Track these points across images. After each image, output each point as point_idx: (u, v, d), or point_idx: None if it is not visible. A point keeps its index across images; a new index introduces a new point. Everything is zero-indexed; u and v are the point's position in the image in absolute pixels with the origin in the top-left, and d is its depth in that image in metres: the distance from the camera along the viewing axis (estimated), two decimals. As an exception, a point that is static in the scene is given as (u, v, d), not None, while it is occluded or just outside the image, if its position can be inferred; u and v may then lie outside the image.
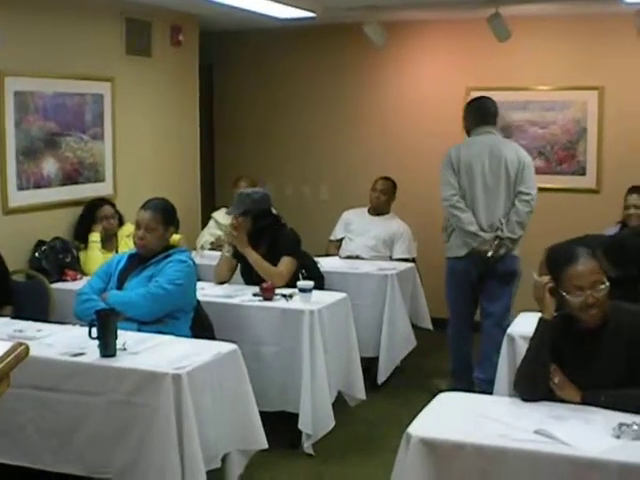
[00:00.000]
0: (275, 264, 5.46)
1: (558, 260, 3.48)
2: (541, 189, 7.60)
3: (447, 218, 5.98)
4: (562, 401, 3.33)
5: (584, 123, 7.56)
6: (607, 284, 3.36)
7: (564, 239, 5.39)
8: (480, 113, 6.09)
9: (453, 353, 6.11)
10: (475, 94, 7.62)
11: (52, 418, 3.86)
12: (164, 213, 4.76)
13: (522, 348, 3.98)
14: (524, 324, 4.29)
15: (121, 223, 6.25)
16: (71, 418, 3.83)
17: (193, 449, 3.61)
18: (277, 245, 5.53)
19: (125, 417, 3.72)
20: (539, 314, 4.07)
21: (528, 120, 7.72)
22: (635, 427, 2.96)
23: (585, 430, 3.03)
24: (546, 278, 3.51)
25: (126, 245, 5.90)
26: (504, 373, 4.28)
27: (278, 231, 5.61)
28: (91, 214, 6.12)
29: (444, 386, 5.72)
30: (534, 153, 7.66)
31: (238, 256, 5.69)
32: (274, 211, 5.78)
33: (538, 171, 7.61)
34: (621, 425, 2.98)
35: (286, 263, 5.48)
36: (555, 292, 3.45)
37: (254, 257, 5.44)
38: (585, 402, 3.28)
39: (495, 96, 7.64)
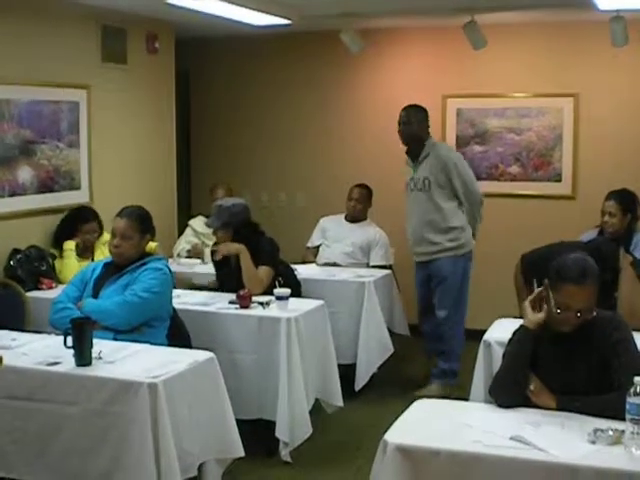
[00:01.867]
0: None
1: (567, 271, 3.38)
2: (517, 195, 7.70)
3: (472, 214, 6.29)
4: (537, 407, 3.34)
5: (560, 130, 7.60)
6: (593, 313, 3.37)
7: (539, 245, 5.45)
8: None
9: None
10: (451, 101, 7.72)
11: (27, 428, 3.83)
12: (140, 221, 4.74)
13: (498, 354, 3.99)
14: (500, 330, 4.30)
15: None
16: (46, 428, 3.79)
17: (169, 458, 3.58)
18: (256, 254, 5.52)
19: (101, 426, 3.69)
20: (515, 320, 4.10)
21: (504, 127, 7.76)
22: (610, 432, 2.97)
23: (561, 436, 3.04)
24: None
25: (102, 254, 5.86)
26: (480, 379, 4.28)
27: (257, 240, 5.61)
28: (73, 224, 6.07)
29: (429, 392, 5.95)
30: (510, 159, 7.73)
31: (215, 263, 5.71)
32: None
33: (514, 178, 7.70)
34: (596, 430, 2.99)
35: (265, 272, 5.49)
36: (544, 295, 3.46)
37: (248, 259, 5.45)
38: (560, 408, 3.29)
39: (472, 103, 7.75)
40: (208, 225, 5.74)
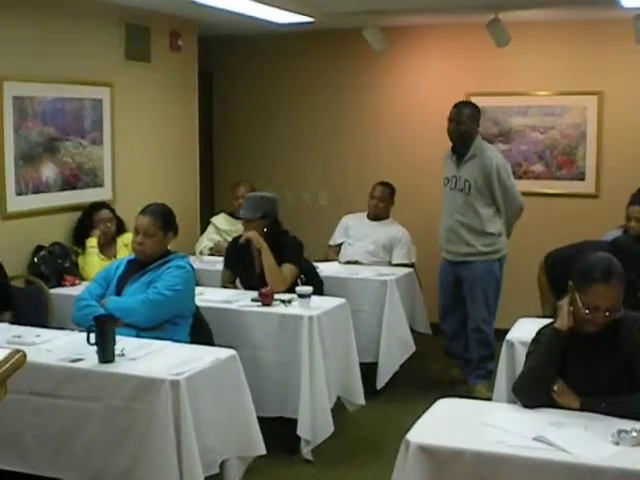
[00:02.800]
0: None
1: (593, 271, 3.36)
2: (540, 194, 7.66)
3: (509, 221, 6.28)
4: (561, 407, 3.32)
5: (583, 128, 7.56)
6: (621, 311, 3.35)
7: (563, 244, 5.43)
8: None
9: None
10: (475, 99, 7.65)
11: (50, 424, 3.85)
12: (163, 218, 4.74)
13: (521, 354, 3.98)
14: (523, 330, 4.29)
15: (121, 229, 6.23)
16: (69, 424, 3.82)
17: (191, 455, 3.60)
18: (281, 252, 5.53)
19: (123, 423, 3.71)
20: (538, 320, 4.09)
21: (528, 125, 7.72)
22: (634, 433, 2.95)
23: (584, 437, 3.02)
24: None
25: (124, 254, 5.87)
26: (503, 379, 4.27)
27: (283, 238, 5.63)
28: (89, 219, 6.12)
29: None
30: (534, 158, 7.70)
31: (235, 265, 5.76)
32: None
33: (538, 176, 7.67)
34: (620, 432, 2.98)
35: (290, 270, 5.50)
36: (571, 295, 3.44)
37: (269, 255, 5.46)
38: (584, 409, 3.27)
39: (494, 101, 7.72)
40: (245, 216, 5.66)
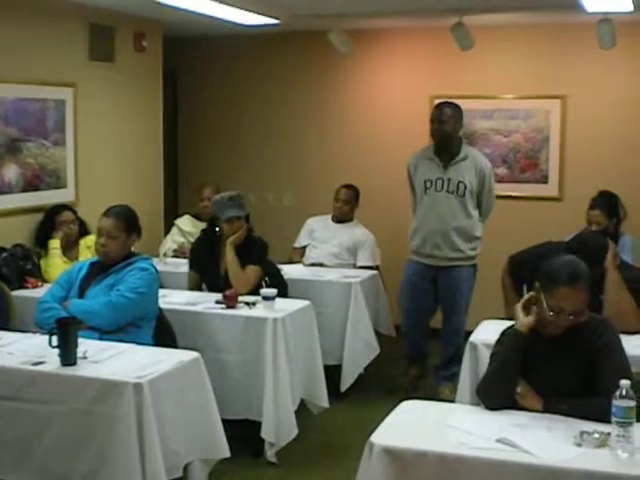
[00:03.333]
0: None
1: (559, 274, 3.38)
2: (504, 197, 7.69)
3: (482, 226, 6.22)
4: (524, 409, 3.34)
5: (547, 132, 7.62)
6: (586, 315, 3.37)
7: (526, 246, 5.46)
8: None
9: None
10: (439, 102, 7.68)
11: (12, 428, 3.81)
12: (126, 221, 4.72)
13: (485, 356, 4.00)
14: (487, 332, 4.30)
15: (83, 232, 6.19)
16: (31, 428, 3.77)
17: (155, 458, 3.57)
18: (246, 253, 5.54)
19: (86, 426, 3.68)
20: (501, 322, 4.10)
21: (492, 128, 7.77)
22: (596, 435, 2.97)
23: (547, 438, 3.04)
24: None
25: (86, 256, 5.83)
26: (466, 380, 4.29)
27: (250, 239, 5.64)
28: (51, 220, 6.07)
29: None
30: (498, 161, 7.73)
31: (199, 267, 5.77)
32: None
33: (501, 179, 7.71)
34: (583, 433, 3.00)
35: (253, 272, 5.50)
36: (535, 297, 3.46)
37: (231, 256, 5.47)
38: (547, 410, 3.29)
39: (460, 104, 7.71)
40: (226, 217, 5.61)
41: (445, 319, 6.30)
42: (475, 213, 6.12)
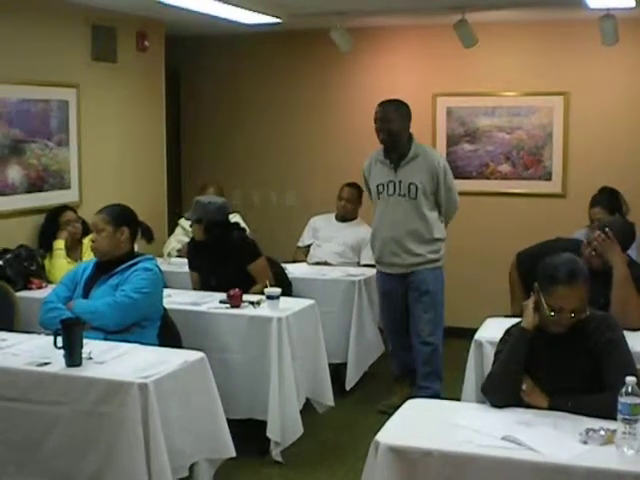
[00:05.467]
0: (242, 274, 5.53)
1: (557, 273, 3.38)
2: (508, 194, 7.71)
3: (445, 223, 5.88)
4: (530, 407, 3.33)
5: (550, 128, 7.61)
6: (586, 312, 3.37)
7: (529, 243, 5.45)
8: None
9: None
10: (442, 100, 7.72)
11: (17, 429, 3.81)
12: (113, 214, 4.71)
13: (489, 354, 3.98)
14: (491, 329, 4.29)
15: (86, 231, 6.18)
16: (37, 428, 3.78)
17: (160, 458, 3.58)
18: (227, 253, 5.61)
19: (91, 427, 3.68)
20: (506, 319, 4.10)
21: (495, 125, 7.76)
22: (602, 432, 2.97)
23: (553, 436, 3.03)
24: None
25: (90, 255, 5.83)
26: (471, 379, 4.27)
27: (227, 240, 5.67)
28: (54, 221, 6.08)
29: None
30: (501, 158, 7.73)
31: (194, 266, 5.83)
32: (238, 219, 5.80)
33: (505, 176, 7.71)
34: (588, 430, 2.99)
35: (258, 267, 5.60)
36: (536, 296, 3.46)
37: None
38: (552, 408, 3.29)
39: (462, 101, 7.75)
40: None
41: (413, 331, 5.86)
42: (432, 215, 5.73)
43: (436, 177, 5.70)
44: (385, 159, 5.79)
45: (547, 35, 7.55)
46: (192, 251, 5.93)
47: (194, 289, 5.77)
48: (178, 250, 6.94)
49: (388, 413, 3.56)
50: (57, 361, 3.84)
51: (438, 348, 5.83)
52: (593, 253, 4.56)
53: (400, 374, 6.07)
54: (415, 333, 5.83)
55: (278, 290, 5.08)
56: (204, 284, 5.73)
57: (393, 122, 5.68)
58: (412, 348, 5.89)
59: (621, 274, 4.44)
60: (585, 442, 2.96)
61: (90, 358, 3.88)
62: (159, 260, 5.15)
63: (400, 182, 5.71)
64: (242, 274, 5.56)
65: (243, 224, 6.58)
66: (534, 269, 3.58)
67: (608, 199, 5.84)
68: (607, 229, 4.55)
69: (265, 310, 5.01)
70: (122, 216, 4.76)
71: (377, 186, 5.82)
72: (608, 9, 6.34)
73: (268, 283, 5.25)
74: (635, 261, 4.77)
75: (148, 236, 4.92)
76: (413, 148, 5.75)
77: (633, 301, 4.40)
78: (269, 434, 4.83)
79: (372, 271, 6.49)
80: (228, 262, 5.58)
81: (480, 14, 6.79)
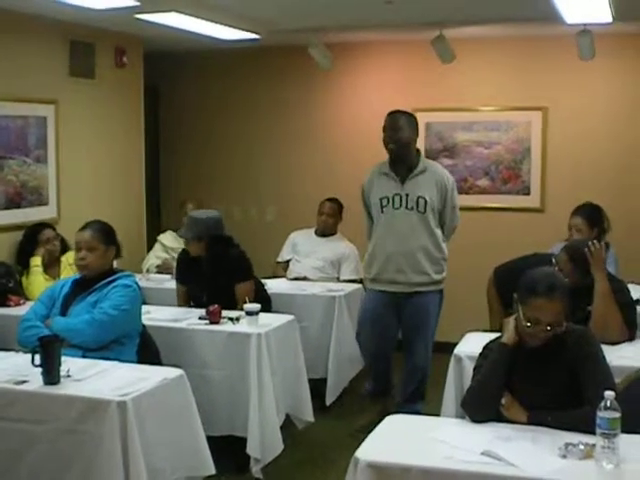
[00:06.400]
0: (229, 289, 5.52)
1: (536, 285, 3.38)
2: (486, 208, 7.74)
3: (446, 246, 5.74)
4: (509, 421, 3.34)
5: (528, 143, 7.65)
6: (563, 326, 3.37)
7: (508, 258, 5.47)
8: None
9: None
10: (420, 115, 7.66)
11: (-6, 447, 3.79)
12: (103, 232, 4.70)
13: (469, 368, 3.99)
14: (471, 344, 4.30)
15: (65, 248, 6.16)
16: (14, 447, 3.74)
17: (139, 477, 3.55)
18: (228, 270, 5.56)
19: (70, 445, 3.65)
20: (485, 334, 4.10)
21: (473, 140, 7.80)
22: (581, 447, 2.97)
23: (532, 450, 3.03)
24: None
25: (68, 273, 5.82)
26: (451, 394, 4.28)
27: (228, 256, 5.63)
28: (32, 238, 6.05)
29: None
30: (480, 173, 7.76)
31: (184, 280, 5.76)
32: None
33: (483, 191, 7.74)
34: (567, 445, 2.99)
35: (244, 289, 5.51)
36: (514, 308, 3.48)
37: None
38: (532, 422, 3.29)
39: (440, 117, 7.78)
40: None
41: (408, 353, 5.76)
42: (438, 231, 5.59)
43: (444, 194, 5.57)
44: (391, 171, 5.60)
45: (525, 50, 7.59)
46: (183, 265, 5.84)
47: (179, 305, 5.74)
48: (157, 266, 6.93)
49: (362, 431, 3.53)
50: (35, 379, 3.81)
51: (428, 371, 5.76)
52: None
53: (375, 391, 5.96)
54: (409, 357, 5.74)
55: (257, 306, 5.06)
56: (194, 299, 5.69)
57: (403, 131, 5.53)
58: (390, 368, 5.86)
59: (603, 288, 4.46)
60: (564, 456, 2.96)
61: (68, 376, 3.85)
62: (138, 276, 5.13)
63: (407, 195, 5.52)
64: (233, 291, 5.56)
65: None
66: (511, 284, 3.59)
67: (590, 212, 5.84)
68: (595, 243, 4.57)
69: (244, 326, 4.99)
70: (111, 234, 4.76)
71: (381, 199, 5.60)
72: (585, 24, 6.38)
73: (247, 299, 5.23)
74: (614, 276, 4.80)
75: (118, 252, 4.88)
76: (422, 162, 5.62)
77: (613, 316, 4.41)
78: (249, 451, 4.80)
79: (352, 286, 6.51)
80: (223, 278, 5.54)
81: (458, 30, 6.83)
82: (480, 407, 3.41)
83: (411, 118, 5.66)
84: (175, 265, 6.04)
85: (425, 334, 5.68)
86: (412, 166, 5.59)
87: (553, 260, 4.65)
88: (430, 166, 5.66)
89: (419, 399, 5.75)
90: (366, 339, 5.85)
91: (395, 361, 5.91)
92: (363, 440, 3.21)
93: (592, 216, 5.78)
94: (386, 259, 5.60)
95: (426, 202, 5.50)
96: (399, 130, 5.52)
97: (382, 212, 5.61)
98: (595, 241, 4.61)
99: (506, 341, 3.47)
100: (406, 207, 5.52)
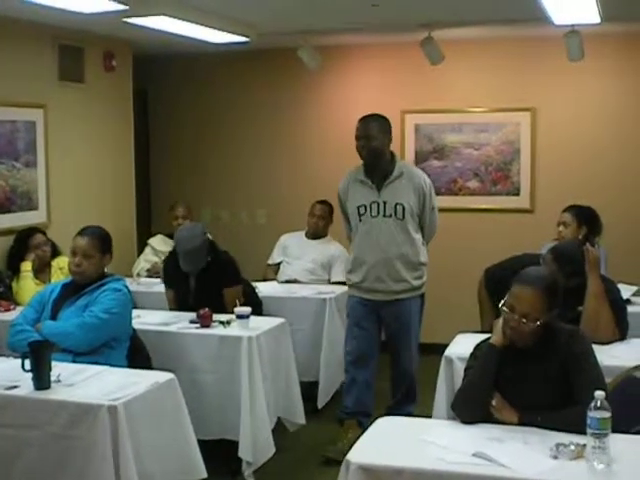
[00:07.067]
0: (217, 294, 5.52)
1: (522, 274, 3.50)
2: (476, 210, 7.75)
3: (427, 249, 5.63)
4: (500, 423, 3.34)
5: (517, 144, 7.67)
6: (537, 323, 3.38)
7: (499, 258, 5.48)
8: None
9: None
10: (410, 116, 7.75)
11: (-15, 453, 3.78)
12: (101, 240, 4.69)
13: (460, 370, 3.99)
14: (462, 345, 4.30)
15: (55, 253, 6.15)
16: (5, 453, 3.74)
17: (130, 482, 3.55)
18: (219, 275, 5.57)
19: (61, 451, 3.65)
20: (476, 335, 4.11)
21: (463, 142, 7.81)
22: (572, 447, 2.98)
23: (523, 451, 3.04)
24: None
25: (59, 277, 5.80)
26: (442, 395, 4.28)
27: (217, 263, 5.63)
28: (23, 243, 6.04)
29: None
30: (469, 174, 7.77)
31: (172, 284, 5.74)
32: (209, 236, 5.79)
33: (473, 192, 7.75)
34: (558, 445, 3.00)
35: (233, 293, 5.50)
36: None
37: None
38: (522, 423, 3.29)
39: (429, 118, 7.78)
40: (186, 271, 5.59)
41: (393, 359, 5.65)
42: (418, 237, 5.48)
43: (422, 197, 5.46)
44: (366, 178, 5.47)
45: (513, 51, 7.61)
46: (170, 269, 5.80)
47: (171, 309, 5.73)
48: (147, 270, 6.92)
49: (337, 460, 3.47)
50: (25, 384, 3.81)
51: (415, 375, 5.66)
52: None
53: (350, 413, 5.62)
54: (395, 363, 5.64)
55: (248, 309, 5.06)
56: (182, 303, 5.67)
57: (375, 139, 5.38)
58: (371, 386, 5.65)
59: (597, 289, 4.46)
60: (555, 457, 2.96)
61: (59, 381, 3.85)
62: (128, 280, 5.12)
63: (385, 202, 5.39)
64: (221, 295, 5.56)
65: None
66: (502, 284, 3.61)
67: (579, 209, 5.84)
68: (589, 247, 4.59)
69: (235, 329, 4.99)
70: (108, 241, 4.75)
71: (358, 207, 5.47)
72: (573, 25, 6.40)
73: (238, 302, 5.23)
74: (606, 277, 4.80)
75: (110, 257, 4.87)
76: (397, 166, 5.46)
77: (605, 316, 4.42)
78: (241, 454, 4.81)
79: (343, 288, 6.47)
80: (210, 283, 5.55)
81: (446, 31, 6.84)
82: (469, 408, 3.41)
83: (383, 122, 5.48)
84: (162, 270, 6.03)
85: (408, 340, 5.56)
86: (388, 172, 5.45)
87: (541, 260, 4.66)
88: (406, 170, 5.51)
89: (410, 401, 5.67)
90: (350, 346, 5.67)
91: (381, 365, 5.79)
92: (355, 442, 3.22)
93: (581, 213, 5.79)
94: (366, 269, 5.48)
95: (404, 208, 5.39)
96: (371, 138, 5.38)
97: (360, 221, 5.49)
98: (588, 244, 4.63)
99: (494, 342, 3.48)
100: (384, 215, 5.40)
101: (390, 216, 5.38)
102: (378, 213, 5.41)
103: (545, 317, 3.38)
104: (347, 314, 5.73)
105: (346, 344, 5.71)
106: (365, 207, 5.44)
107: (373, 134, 5.38)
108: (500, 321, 3.50)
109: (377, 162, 5.43)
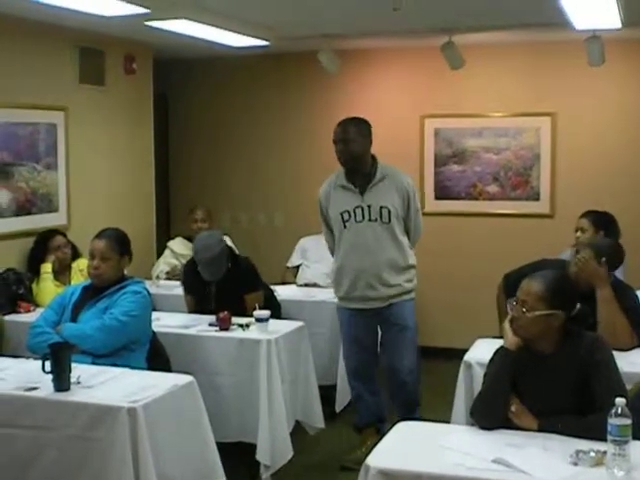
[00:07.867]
0: (237, 296, 5.53)
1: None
2: (495, 214, 7.72)
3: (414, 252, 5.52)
4: (519, 429, 3.33)
5: (537, 149, 7.64)
6: (534, 314, 3.38)
7: (518, 264, 5.46)
8: None
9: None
10: (429, 121, 7.73)
11: (5, 454, 3.78)
12: (119, 242, 4.72)
13: (479, 375, 3.98)
14: (481, 350, 4.29)
15: (75, 255, 6.18)
16: (25, 454, 3.75)
17: (149, 484, 3.56)
18: (238, 281, 5.59)
19: (80, 452, 3.66)
20: (495, 340, 4.09)
21: (482, 146, 7.79)
22: (592, 454, 2.96)
23: (543, 458, 3.02)
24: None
25: (79, 279, 5.83)
26: (461, 400, 4.26)
27: (236, 268, 5.65)
28: (43, 245, 6.06)
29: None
30: (489, 179, 7.75)
31: (192, 290, 5.76)
32: (228, 241, 5.79)
33: (493, 197, 7.73)
34: (578, 452, 2.98)
35: (255, 299, 5.52)
36: None
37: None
38: (542, 429, 3.28)
39: (449, 123, 7.77)
40: (208, 280, 5.61)
41: (392, 368, 5.49)
42: (404, 239, 5.35)
43: (407, 199, 5.34)
44: (348, 183, 5.35)
45: (534, 56, 7.59)
46: (190, 275, 5.77)
47: (190, 313, 5.74)
48: (167, 272, 6.93)
49: (354, 469, 3.44)
50: (45, 386, 3.82)
51: (417, 382, 5.55)
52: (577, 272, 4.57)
53: (366, 423, 5.58)
54: (394, 370, 5.47)
55: (267, 312, 5.07)
56: (202, 310, 5.64)
57: (354, 143, 5.28)
58: (378, 393, 5.58)
59: (604, 294, 4.43)
60: (575, 464, 2.95)
61: (79, 382, 3.86)
62: (148, 283, 5.14)
63: (370, 206, 5.26)
64: (241, 301, 5.56)
65: (232, 246, 6.57)
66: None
67: (597, 215, 5.81)
68: (589, 251, 4.56)
69: (254, 332, 4.99)
70: (126, 243, 4.78)
71: (341, 214, 5.32)
72: (594, 30, 6.38)
73: (257, 306, 5.24)
74: (621, 280, 4.77)
75: (129, 260, 4.89)
76: (379, 169, 5.34)
77: (620, 322, 4.38)
78: (259, 457, 4.80)
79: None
80: (231, 289, 5.56)
81: (467, 36, 6.83)
82: (488, 414, 3.40)
83: (362, 125, 5.38)
84: (182, 275, 6.03)
85: (408, 345, 5.44)
86: (370, 175, 5.33)
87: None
88: (389, 172, 5.37)
89: (415, 407, 5.51)
90: (349, 360, 5.59)
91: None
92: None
93: (598, 219, 5.75)
94: (355, 276, 5.33)
95: (390, 212, 5.26)
96: (350, 142, 5.27)
97: (345, 227, 5.34)
98: (580, 255, 4.59)
99: (507, 345, 3.48)
100: (369, 219, 5.27)
101: (375, 220, 5.27)
102: (363, 218, 5.28)
103: (545, 310, 3.38)
104: (340, 328, 5.60)
105: (345, 360, 5.62)
106: (349, 213, 5.31)
107: (351, 137, 5.28)
108: (506, 324, 3.50)
109: (357, 166, 5.33)
